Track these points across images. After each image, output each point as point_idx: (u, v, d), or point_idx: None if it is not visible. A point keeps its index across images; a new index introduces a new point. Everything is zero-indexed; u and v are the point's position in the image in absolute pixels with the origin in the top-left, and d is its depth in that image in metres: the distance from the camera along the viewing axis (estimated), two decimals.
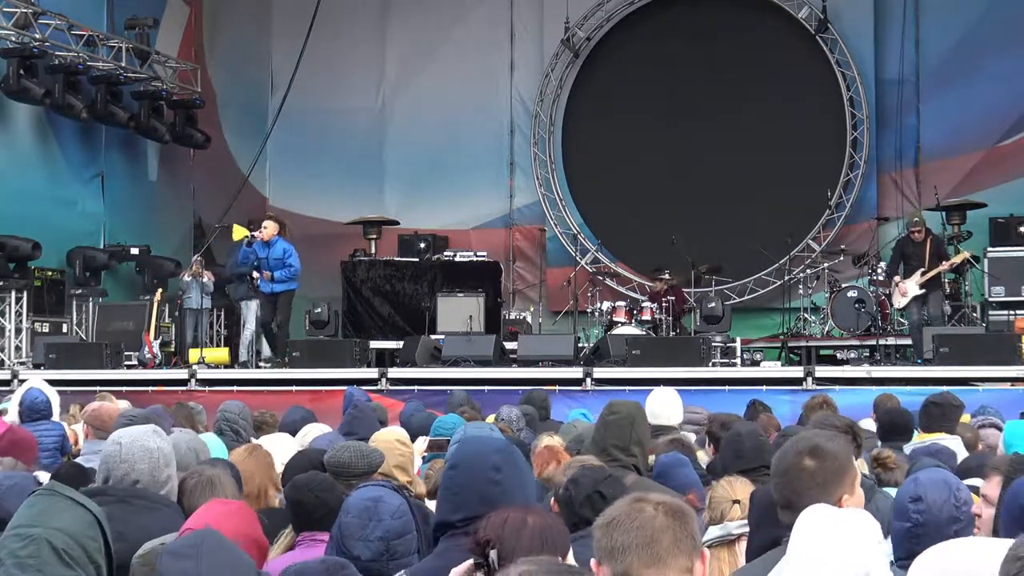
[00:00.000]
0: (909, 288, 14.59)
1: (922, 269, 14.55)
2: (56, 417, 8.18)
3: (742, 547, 4.24)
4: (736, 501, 4.55)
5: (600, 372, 14.00)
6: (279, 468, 5.55)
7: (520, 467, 3.52)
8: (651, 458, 6.19)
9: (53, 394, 8.29)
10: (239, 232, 16.59)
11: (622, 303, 17.25)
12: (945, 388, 8.95)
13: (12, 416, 8.21)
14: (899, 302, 14.87)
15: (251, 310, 16.27)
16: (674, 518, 2.46)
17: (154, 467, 3.92)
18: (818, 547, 2.62)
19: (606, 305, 16.99)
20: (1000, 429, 7.35)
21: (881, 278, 15.92)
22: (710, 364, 14.50)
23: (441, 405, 10.43)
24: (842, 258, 17.67)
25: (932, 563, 2.73)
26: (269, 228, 15.40)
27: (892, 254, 15.45)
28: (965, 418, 7.60)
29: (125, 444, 3.93)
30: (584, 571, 2.33)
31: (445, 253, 18.93)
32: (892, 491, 4.79)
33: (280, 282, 15.36)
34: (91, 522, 3.27)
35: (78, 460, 6.66)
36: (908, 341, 15.35)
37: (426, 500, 5.27)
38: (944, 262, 14.83)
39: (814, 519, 2.69)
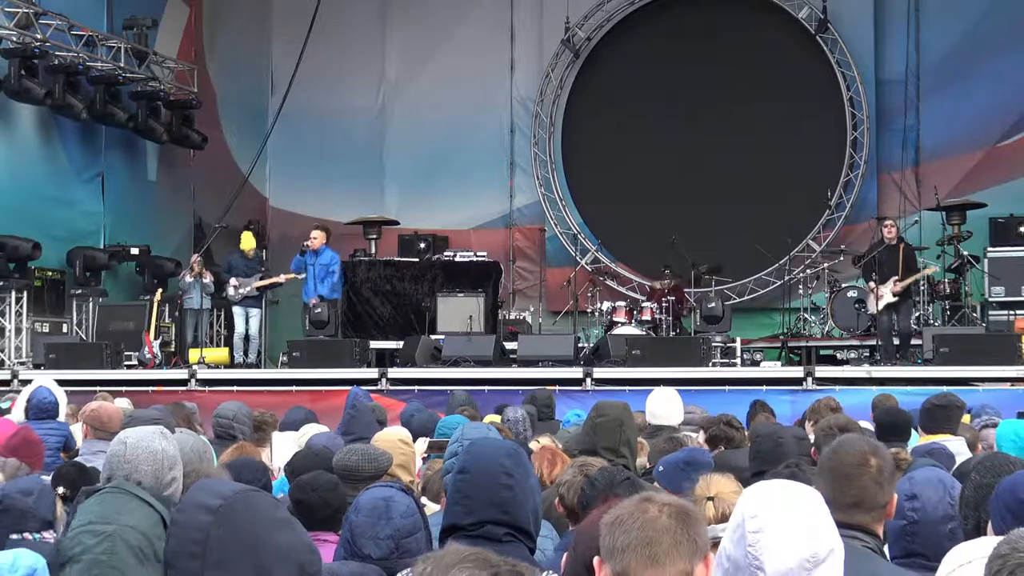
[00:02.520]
0: (884, 293, 14.55)
1: (895, 277, 14.51)
2: (62, 418, 8.19)
3: None
4: (711, 498, 4.50)
5: (600, 372, 14.01)
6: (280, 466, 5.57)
7: (529, 470, 3.54)
8: (642, 459, 6.20)
9: (61, 395, 8.30)
10: (248, 241, 16.92)
11: (622, 303, 17.26)
12: (945, 388, 8.96)
13: (18, 413, 8.22)
14: (874, 307, 14.81)
15: (239, 315, 16.70)
16: (677, 520, 2.45)
17: (157, 469, 3.90)
18: (794, 522, 2.62)
19: (606, 305, 17.00)
20: None
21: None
22: (710, 364, 14.51)
23: (441, 405, 10.43)
24: (842, 258, 17.66)
25: (960, 561, 2.74)
26: (319, 237, 16.20)
27: (866, 260, 15.37)
28: (965, 418, 7.59)
29: (130, 444, 3.91)
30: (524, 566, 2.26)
31: (445, 253, 18.93)
32: None
33: (324, 288, 16.26)
34: (158, 520, 3.27)
35: (77, 460, 6.65)
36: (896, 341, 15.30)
37: (423, 499, 5.27)
38: (917, 272, 14.86)
39: (778, 493, 2.68)
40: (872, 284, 14.71)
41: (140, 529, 3.20)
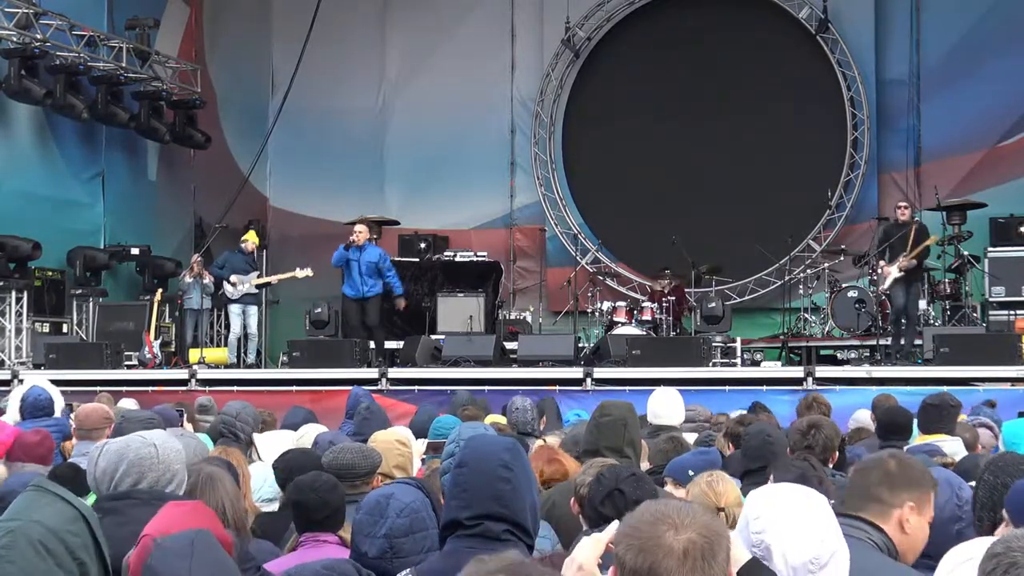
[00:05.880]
0: (892, 270, 14.50)
1: (904, 253, 14.49)
2: (58, 415, 8.18)
3: None
4: (720, 509, 4.39)
5: (600, 372, 14.01)
6: None
7: (527, 465, 3.53)
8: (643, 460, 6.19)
9: (56, 392, 8.31)
10: (254, 237, 16.95)
11: (622, 303, 17.26)
12: (945, 388, 8.95)
13: (12, 414, 8.21)
14: (883, 284, 14.80)
15: (236, 314, 16.64)
16: (693, 557, 2.22)
17: (183, 468, 3.98)
18: (797, 525, 2.62)
19: (606, 305, 17.00)
20: (991, 429, 7.37)
21: (870, 267, 15.72)
22: (710, 364, 14.51)
23: (443, 405, 10.43)
24: (842, 258, 17.66)
25: (960, 560, 2.75)
26: (364, 231, 15.53)
27: (878, 239, 15.38)
28: (960, 417, 7.60)
29: (160, 447, 3.92)
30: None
31: (445, 253, 18.94)
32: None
33: (396, 285, 15.58)
34: (74, 517, 3.28)
35: (71, 460, 6.66)
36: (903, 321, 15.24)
37: None
38: (934, 249, 14.88)
39: (782, 497, 2.67)
40: (882, 263, 14.68)
41: (47, 524, 3.23)
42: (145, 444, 3.95)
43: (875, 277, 15.25)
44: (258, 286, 16.81)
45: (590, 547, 2.44)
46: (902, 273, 14.34)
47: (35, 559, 3.18)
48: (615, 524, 2.41)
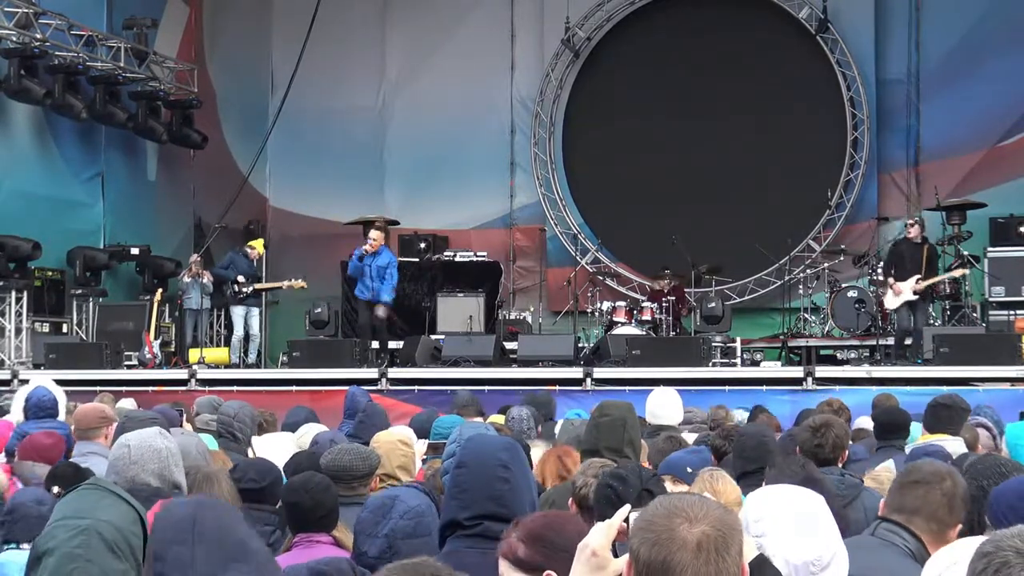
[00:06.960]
0: (904, 289, 14.54)
1: (918, 276, 14.52)
2: (62, 417, 8.17)
3: None
4: None
5: (600, 372, 14.02)
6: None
7: (526, 465, 3.54)
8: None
9: (60, 394, 8.28)
10: (261, 246, 16.95)
11: (622, 303, 17.26)
12: (945, 388, 8.96)
13: (16, 414, 8.19)
14: (892, 302, 14.84)
15: (239, 316, 16.64)
16: (706, 551, 2.21)
17: (163, 467, 3.92)
18: (796, 526, 2.62)
19: (606, 305, 17.00)
20: (989, 430, 7.37)
21: (880, 278, 15.83)
22: (710, 364, 14.53)
23: (444, 405, 10.43)
24: (842, 258, 17.67)
25: (946, 563, 2.76)
26: (378, 239, 15.33)
27: (888, 255, 15.45)
28: None
29: (134, 446, 3.91)
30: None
31: (445, 253, 18.94)
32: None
33: (385, 291, 15.28)
34: (135, 519, 3.25)
35: (72, 460, 6.64)
36: (907, 341, 15.30)
37: None
38: (942, 272, 14.94)
39: (782, 498, 2.67)
40: (891, 280, 14.71)
41: (115, 524, 3.17)
42: (120, 445, 3.96)
43: (882, 292, 15.25)
44: (255, 290, 16.83)
45: (603, 532, 2.46)
46: (916, 296, 14.44)
47: (112, 559, 3.11)
48: (626, 508, 2.46)
